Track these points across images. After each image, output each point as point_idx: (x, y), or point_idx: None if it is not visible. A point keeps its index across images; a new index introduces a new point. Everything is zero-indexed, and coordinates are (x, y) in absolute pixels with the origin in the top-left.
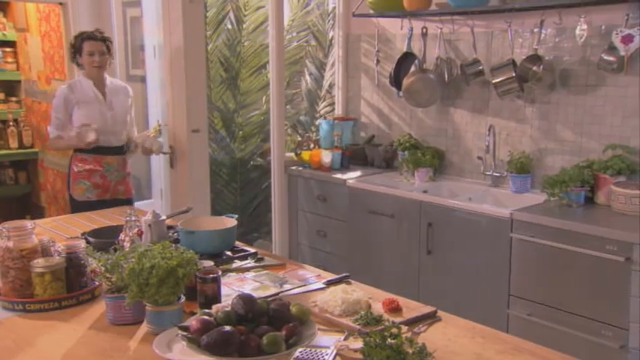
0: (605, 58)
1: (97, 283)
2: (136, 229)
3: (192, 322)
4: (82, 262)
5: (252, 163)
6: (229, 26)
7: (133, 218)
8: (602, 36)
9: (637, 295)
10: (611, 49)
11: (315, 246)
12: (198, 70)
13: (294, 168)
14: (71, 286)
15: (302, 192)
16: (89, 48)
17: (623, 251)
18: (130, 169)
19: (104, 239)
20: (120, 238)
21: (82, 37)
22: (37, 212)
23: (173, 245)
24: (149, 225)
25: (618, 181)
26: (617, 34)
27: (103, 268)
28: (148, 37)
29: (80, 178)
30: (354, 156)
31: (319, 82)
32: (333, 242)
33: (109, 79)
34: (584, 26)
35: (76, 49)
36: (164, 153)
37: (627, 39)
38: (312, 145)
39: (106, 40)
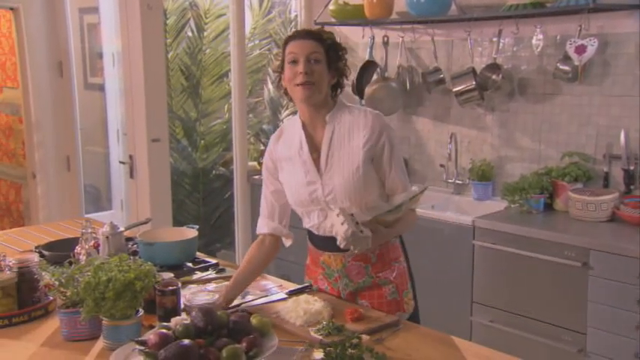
0: (561, 67)
1: (50, 298)
2: (93, 242)
3: (150, 336)
4: (35, 276)
5: (214, 172)
6: (190, 34)
7: (89, 230)
8: (557, 46)
9: (594, 299)
10: (566, 58)
11: (278, 255)
12: (158, 78)
13: (256, 177)
14: (23, 302)
15: None
16: (291, 51)
17: (580, 257)
18: (394, 276)
19: (59, 252)
20: (76, 250)
21: (286, 40)
22: None
23: (131, 257)
24: (106, 237)
25: (575, 188)
26: (570, 44)
27: (57, 282)
28: (107, 44)
29: (308, 276)
30: None
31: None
32: (297, 252)
33: (339, 114)
34: (540, 36)
35: (283, 66)
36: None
37: (581, 49)
38: None
39: (324, 39)
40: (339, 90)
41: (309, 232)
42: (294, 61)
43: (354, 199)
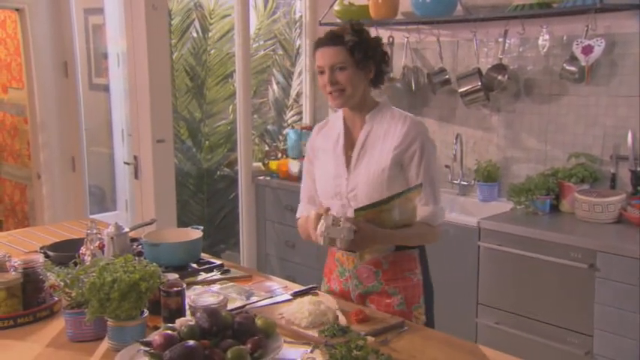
0: (567, 67)
1: (56, 299)
2: (98, 242)
3: (155, 337)
4: (40, 277)
5: (219, 173)
6: (195, 34)
7: (94, 231)
8: (563, 46)
9: (601, 301)
10: (573, 59)
11: (283, 257)
12: (162, 78)
13: (261, 178)
14: (28, 303)
15: (270, 202)
16: (317, 62)
17: (586, 258)
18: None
19: (64, 253)
20: (81, 251)
21: (314, 46)
22: None
23: (136, 258)
24: (111, 238)
25: (582, 189)
26: (577, 44)
27: (62, 283)
28: (112, 45)
29: (325, 274)
30: None
31: (286, 91)
32: (302, 253)
33: (379, 115)
34: (547, 36)
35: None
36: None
37: (587, 49)
38: (279, 155)
39: (346, 41)
40: (383, 78)
41: None
42: (322, 72)
43: (375, 200)
